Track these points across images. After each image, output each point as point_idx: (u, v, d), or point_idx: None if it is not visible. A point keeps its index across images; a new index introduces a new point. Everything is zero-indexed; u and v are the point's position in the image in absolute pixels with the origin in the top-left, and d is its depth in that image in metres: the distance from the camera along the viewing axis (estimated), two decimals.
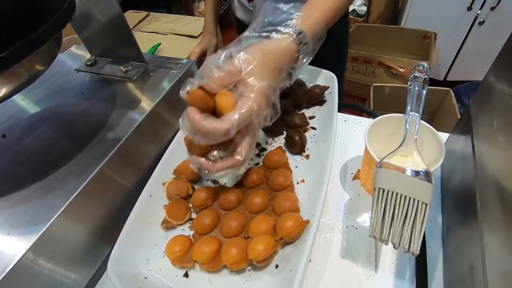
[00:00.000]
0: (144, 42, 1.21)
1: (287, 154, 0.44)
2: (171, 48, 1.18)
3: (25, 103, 0.43)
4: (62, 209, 0.30)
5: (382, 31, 1.51)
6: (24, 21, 0.25)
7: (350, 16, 1.62)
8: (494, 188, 0.26)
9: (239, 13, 0.78)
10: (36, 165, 0.36)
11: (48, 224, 0.29)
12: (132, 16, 1.34)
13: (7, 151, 0.38)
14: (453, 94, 1.18)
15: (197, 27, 1.26)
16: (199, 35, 1.24)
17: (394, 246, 0.27)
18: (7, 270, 0.26)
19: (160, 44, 1.18)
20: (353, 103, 0.62)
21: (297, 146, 0.43)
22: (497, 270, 0.23)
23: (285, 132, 0.47)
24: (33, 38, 0.25)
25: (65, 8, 0.28)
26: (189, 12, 1.88)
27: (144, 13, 1.39)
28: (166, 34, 1.25)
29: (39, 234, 0.28)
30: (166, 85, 0.43)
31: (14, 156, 0.37)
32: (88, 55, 0.50)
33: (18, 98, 0.44)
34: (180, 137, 0.45)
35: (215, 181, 0.43)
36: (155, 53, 1.13)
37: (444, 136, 0.41)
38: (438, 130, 0.36)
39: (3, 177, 0.35)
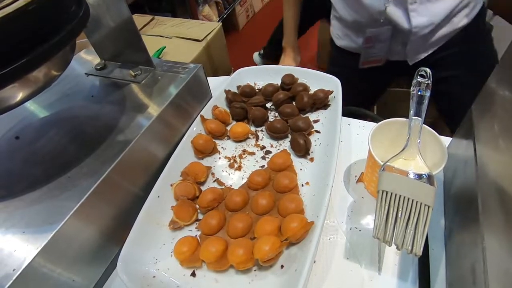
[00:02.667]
0: (149, 45, 1.22)
1: (292, 157, 0.44)
2: (176, 51, 1.20)
3: (37, 106, 0.45)
4: (74, 209, 0.31)
5: None
6: (44, 28, 0.26)
7: None
8: (495, 191, 0.27)
9: (344, 42, 0.74)
10: (49, 166, 0.37)
11: (61, 224, 0.30)
12: (137, 20, 1.36)
13: (21, 152, 0.39)
14: None
15: (201, 31, 1.27)
16: (203, 39, 1.25)
17: (397, 247, 0.28)
18: (23, 266, 0.27)
19: (165, 47, 1.19)
20: (356, 107, 0.62)
21: (301, 149, 0.44)
22: (497, 271, 0.23)
23: (290, 135, 0.48)
24: (52, 45, 0.26)
25: (80, 16, 0.30)
26: (193, 16, 1.90)
27: (149, 17, 1.41)
28: (171, 38, 1.27)
29: (53, 232, 0.29)
30: (174, 89, 0.45)
31: (27, 157, 0.38)
32: (96, 60, 0.51)
33: (30, 101, 0.45)
34: (187, 139, 0.46)
35: (221, 183, 0.44)
36: (160, 57, 1.14)
37: (446, 140, 0.42)
38: (441, 134, 0.37)
39: (17, 178, 0.36)
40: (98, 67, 0.49)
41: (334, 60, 0.81)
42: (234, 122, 0.51)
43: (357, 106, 0.55)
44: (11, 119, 0.42)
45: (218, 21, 1.94)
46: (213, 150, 0.47)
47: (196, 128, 0.48)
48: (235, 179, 0.44)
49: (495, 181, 0.27)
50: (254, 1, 2.44)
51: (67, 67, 0.35)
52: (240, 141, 0.49)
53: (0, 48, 0.24)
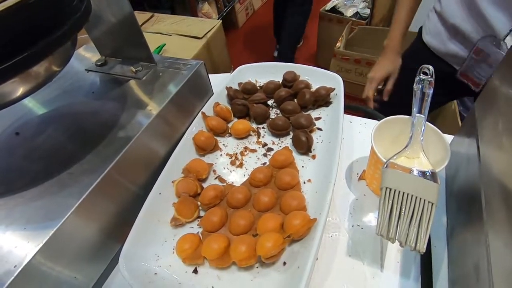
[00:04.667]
0: (149, 42, 1.22)
1: (294, 154, 0.44)
2: (176, 48, 1.19)
3: (37, 102, 0.44)
4: (76, 205, 0.31)
5: (385, 34, 1.51)
6: (45, 23, 0.26)
7: (353, 19, 1.63)
8: (499, 189, 0.27)
9: (431, 40, 0.66)
10: (49, 162, 0.36)
11: (62, 220, 0.30)
12: (136, 17, 1.35)
13: (21, 148, 0.38)
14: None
15: (201, 28, 1.27)
16: (203, 36, 1.25)
17: (400, 244, 0.28)
18: (24, 263, 0.27)
19: (165, 44, 1.19)
20: (357, 105, 0.62)
21: (303, 146, 0.44)
22: (502, 268, 0.23)
23: (291, 133, 0.48)
24: (54, 39, 0.26)
25: (82, 10, 0.29)
26: (193, 13, 1.89)
27: (148, 14, 1.40)
28: (170, 35, 1.26)
29: (54, 229, 0.29)
30: (176, 85, 0.44)
31: (27, 154, 0.38)
32: (97, 56, 0.51)
33: (30, 97, 0.44)
34: (189, 136, 0.45)
35: (222, 180, 0.43)
36: (160, 54, 1.14)
37: (448, 138, 0.41)
38: (443, 132, 0.37)
39: (17, 174, 0.35)
40: (99, 63, 0.49)
41: (412, 53, 0.73)
42: (236, 119, 0.51)
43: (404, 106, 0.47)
44: (12, 115, 0.42)
45: (218, 19, 1.93)
46: (215, 147, 0.47)
47: (197, 125, 0.47)
48: (236, 176, 0.44)
49: (499, 179, 0.27)
50: None
51: (67, 62, 0.34)
52: (242, 138, 0.49)
53: (2, 42, 0.23)
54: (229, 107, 0.52)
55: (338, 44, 1.44)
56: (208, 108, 0.50)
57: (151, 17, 1.38)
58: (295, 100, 0.52)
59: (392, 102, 0.71)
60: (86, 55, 0.53)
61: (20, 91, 0.31)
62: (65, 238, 0.30)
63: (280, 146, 0.47)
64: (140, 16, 1.36)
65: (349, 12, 1.66)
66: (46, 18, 0.26)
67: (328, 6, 1.71)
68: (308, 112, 0.50)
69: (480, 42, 0.55)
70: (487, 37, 0.54)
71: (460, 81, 0.62)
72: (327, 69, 0.54)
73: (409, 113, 0.36)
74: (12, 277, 0.26)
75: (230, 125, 0.50)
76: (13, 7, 0.23)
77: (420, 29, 0.72)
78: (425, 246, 0.27)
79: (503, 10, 0.52)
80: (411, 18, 0.68)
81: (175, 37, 1.25)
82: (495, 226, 0.26)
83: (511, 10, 0.51)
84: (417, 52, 0.70)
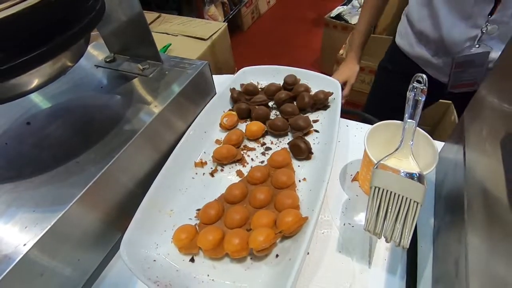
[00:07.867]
0: (155, 42, 1.24)
1: (291, 155, 0.46)
2: (181, 49, 1.21)
3: (49, 94, 0.46)
4: (82, 192, 0.33)
5: (388, 43, 1.54)
6: (63, 20, 0.28)
7: None
8: (480, 192, 0.28)
9: (401, 41, 0.69)
10: (57, 151, 0.38)
11: (70, 205, 0.31)
12: None
13: (31, 137, 0.40)
14: (454, 108, 1.20)
15: (207, 30, 1.29)
16: (208, 38, 1.27)
17: (386, 240, 0.29)
18: (33, 243, 0.28)
19: (170, 44, 1.21)
20: (355, 110, 0.64)
21: (304, 152, 0.45)
22: (477, 263, 0.25)
23: (289, 133, 0.50)
24: (70, 36, 0.28)
25: (97, 9, 0.31)
26: (199, 15, 1.92)
27: (155, 14, 1.43)
28: (176, 35, 1.29)
29: (62, 213, 0.31)
30: (181, 83, 0.46)
31: (37, 142, 0.39)
32: (105, 53, 0.53)
33: (42, 90, 0.46)
34: (193, 130, 0.47)
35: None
36: (165, 53, 1.16)
37: (439, 144, 0.43)
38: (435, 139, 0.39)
39: (27, 161, 0.37)
40: (108, 60, 0.51)
41: (388, 54, 0.77)
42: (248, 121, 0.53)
43: (391, 109, 0.48)
44: (24, 106, 0.44)
45: (224, 21, 1.96)
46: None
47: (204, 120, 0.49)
48: (234, 173, 0.45)
49: (481, 182, 0.29)
50: (259, 3, 2.46)
51: (80, 58, 0.36)
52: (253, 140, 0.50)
53: (24, 36, 0.25)
54: (232, 108, 0.54)
55: (341, 51, 1.46)
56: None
57: (158, 17, 1.41)
58: (295, 102, 0.54)
59: (371, 101, 0.82)
60: (96, 51, 0.55)
61: (35, 82, 0.33)
62: (71, 221, 0.32)
63: (278, 146, 0.49)
64: (147, 16, 1.37)
65: (354, 20, 1.69)
66: (64, 16, 0.28)
67: (333, 13, 1.74)
68: (306, 115, 0.52)
69: (457, 58, 0.57)
70: (465, 49, 0.56)
71: (433, 83, 0.62)
72: (331, 75, 0.56)
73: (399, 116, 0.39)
74: (21, 255, 0.28)
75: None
76: (36, 5, 0.25)
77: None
78: (408, 242, 0.29)
79: (455, 12, 0.54)
80: (372, 24, 0.76)
81: (181, 38, 1.28)
82: (474, 225, 0.27)
83: (463, 12, 0.53)
84: (392, 53, 0.74)
